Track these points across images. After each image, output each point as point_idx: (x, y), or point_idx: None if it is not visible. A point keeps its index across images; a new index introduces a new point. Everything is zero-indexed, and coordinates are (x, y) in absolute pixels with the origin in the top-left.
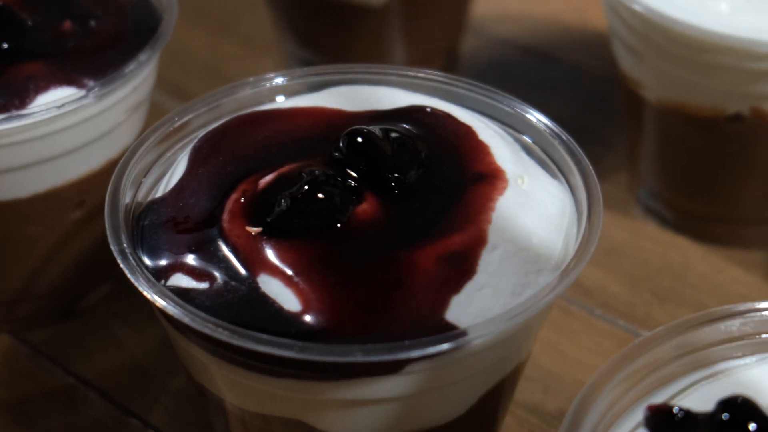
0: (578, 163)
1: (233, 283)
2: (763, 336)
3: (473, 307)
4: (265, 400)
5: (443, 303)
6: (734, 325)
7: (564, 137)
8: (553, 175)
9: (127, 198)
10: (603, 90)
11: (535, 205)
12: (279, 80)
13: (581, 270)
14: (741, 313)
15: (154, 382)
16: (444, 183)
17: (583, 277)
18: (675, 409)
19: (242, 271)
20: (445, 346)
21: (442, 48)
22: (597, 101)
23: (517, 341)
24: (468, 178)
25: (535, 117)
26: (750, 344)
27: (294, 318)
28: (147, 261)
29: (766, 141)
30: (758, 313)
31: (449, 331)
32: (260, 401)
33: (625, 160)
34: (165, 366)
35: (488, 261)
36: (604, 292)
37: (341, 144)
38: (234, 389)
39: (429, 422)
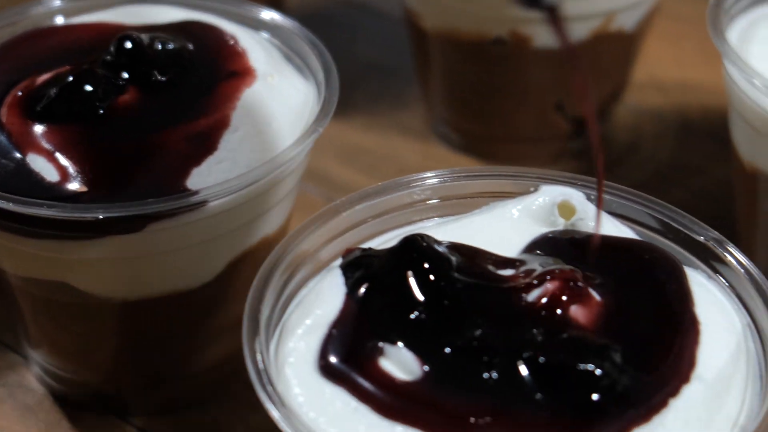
0: (325, 63)
1: (4, 161)
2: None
3: (212, 178)
4: (31, 263)
5: (184, 173)
6: (416, 192)
7: (316, 43)
8: (304, 75)
9: None
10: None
11: (280, 96)
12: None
13: (317, 136)
14: (421, 180)
15: None
16: (201, 80)
17: (335, 174)
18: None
19: (14, 152)
20: (178, 203)
21: None
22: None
23: (254, 211)
24: (222, 75)
25: (292, 24)
26: (431, 208)
27: (53, 186)
28: None
29: (528, 63)
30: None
31: (185, 193)
32: (27, 264)
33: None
34: None
35: (229, 140)
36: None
37: (112, 48)
38: (8, 256)
39: (178, 285)
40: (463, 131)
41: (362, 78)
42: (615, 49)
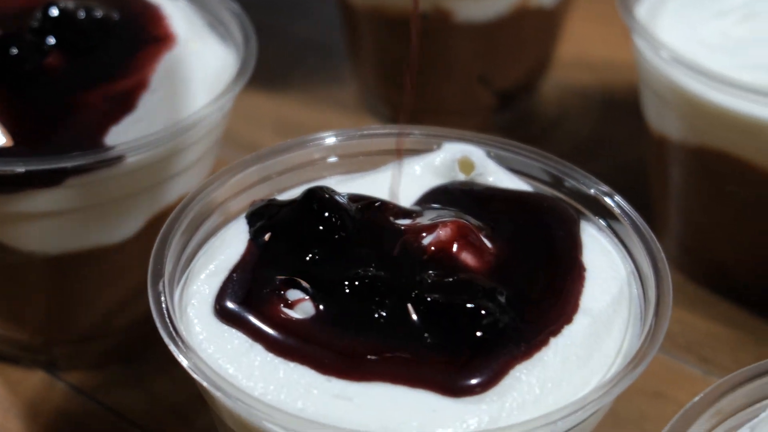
0: (245, 31)
1: None
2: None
3: (129, 136)
4: None
5: (103, 131)
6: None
7: (238, 12)
8: (225, 43)
9: None
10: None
11: (200, 61)
12: None
13: (232, 96)
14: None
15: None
16: (123, 45)
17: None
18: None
19: None
20: (95, 158)
21: None
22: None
23: (172, 168)
24: (144, 40)
25: None
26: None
27: None
28: None
29: (450, 37)
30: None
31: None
32: None
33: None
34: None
35: (148, 101)
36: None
37: (38, 14)
38: None
39: (100, 240)
40: (394, 105)
41: (299, 55)
42: (536, 25)
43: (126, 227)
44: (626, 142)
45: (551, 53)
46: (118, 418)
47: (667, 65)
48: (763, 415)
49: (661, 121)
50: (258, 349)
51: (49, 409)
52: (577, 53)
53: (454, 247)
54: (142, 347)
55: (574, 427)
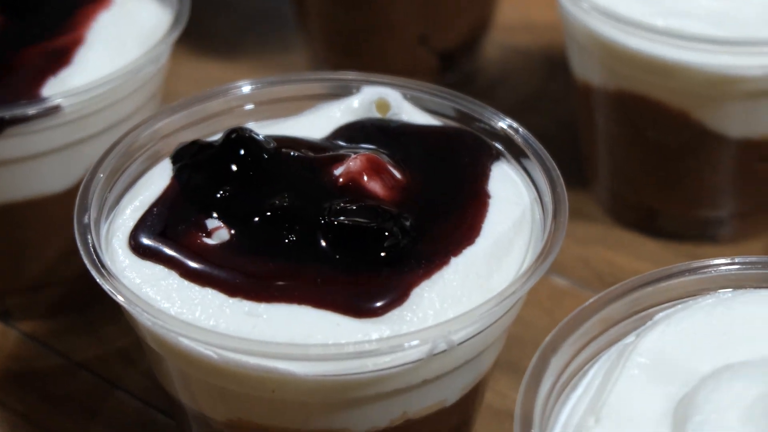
0: None
1: None
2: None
3: (66, 87)
4: None
5: (40, 83)
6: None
7: None
8: (162, 3)
9: None
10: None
11: (135, 19)
12: None
13: (164, 49)
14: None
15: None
16: (62, 5)
17: None
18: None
19: None
20: (32, 107)
21: None
22: None
23: (108, 119)
24: (83, 0)
25: None
26: (258, 111)
27: None
28: None
29: None
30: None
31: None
32: None
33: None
34: None
35: (84, 56)
36: None
37: None
38: None
39: (43, 189)
40: (341, 69)
41: (251, 24)
42: None
43: (67, 177)
44: (564, 98)
45: (491, 14)
46: (68, 362)
47: (587, 15)
48: (649, 323)
49: (584, 69)
50: (175, 276)
51: (2, 356)
52: (521, 17)
53: (364, 178)
54: (91, 296)
55: (470, 339)
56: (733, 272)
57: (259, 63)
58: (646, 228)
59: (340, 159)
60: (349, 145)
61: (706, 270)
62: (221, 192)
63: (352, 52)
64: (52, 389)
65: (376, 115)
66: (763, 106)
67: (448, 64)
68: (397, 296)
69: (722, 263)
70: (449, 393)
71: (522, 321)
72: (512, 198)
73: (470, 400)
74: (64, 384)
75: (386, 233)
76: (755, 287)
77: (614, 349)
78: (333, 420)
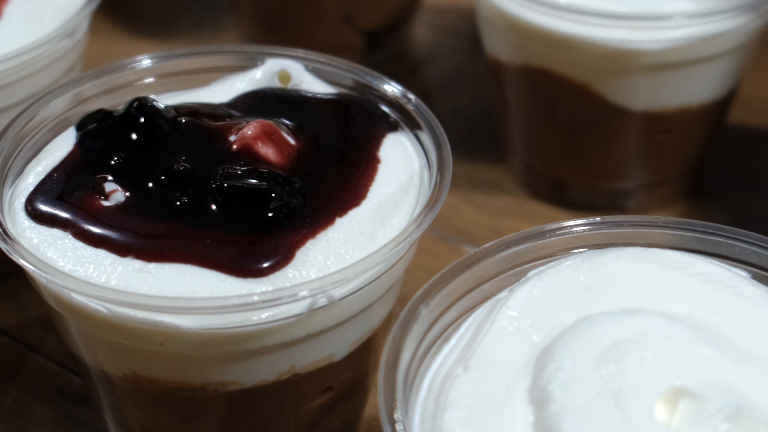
0: None
1: None
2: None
3: None
4: None
5: None
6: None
7: None
8: None
9: None
10: None
11: None
12: None
13: (78, 22)
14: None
15: None
16: None
17: None
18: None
19: None
20: None
21: None
22: None
23: (27, 90)
24: None
25: None
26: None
27: None
28: None
29: None
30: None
31: None
32: None
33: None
34: None
35: (1, 29)
36: None
37: None
38: None
39: None
40: None
41: (185, 4)
42: None
43: None
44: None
45: None
46: None
47: None
48: (522, 279)
49: (494, 45)
50: (69, 236)
51: None
52: (453, 2)
53: (258, 144)
54: (14, 266)
55: (352, 294)
56: (603, 231)
57: (192, 42)
58: (558, 200)
59: (236, 125)
60: (247, 113)
61: (578, 229)
62: (119, 157)
63: (280, 32)
64: None
65: (278, 85)
66: (661, 80)
67: (375, 44)
68: (282, 256)
69: (594, 222)
70: (336, 348)
71: None
72: (401, 162)
73: (361, 356)
74: None
75: (273, 195)
76: (622, 245)
77: (488, 304)
78: (222, 373)
